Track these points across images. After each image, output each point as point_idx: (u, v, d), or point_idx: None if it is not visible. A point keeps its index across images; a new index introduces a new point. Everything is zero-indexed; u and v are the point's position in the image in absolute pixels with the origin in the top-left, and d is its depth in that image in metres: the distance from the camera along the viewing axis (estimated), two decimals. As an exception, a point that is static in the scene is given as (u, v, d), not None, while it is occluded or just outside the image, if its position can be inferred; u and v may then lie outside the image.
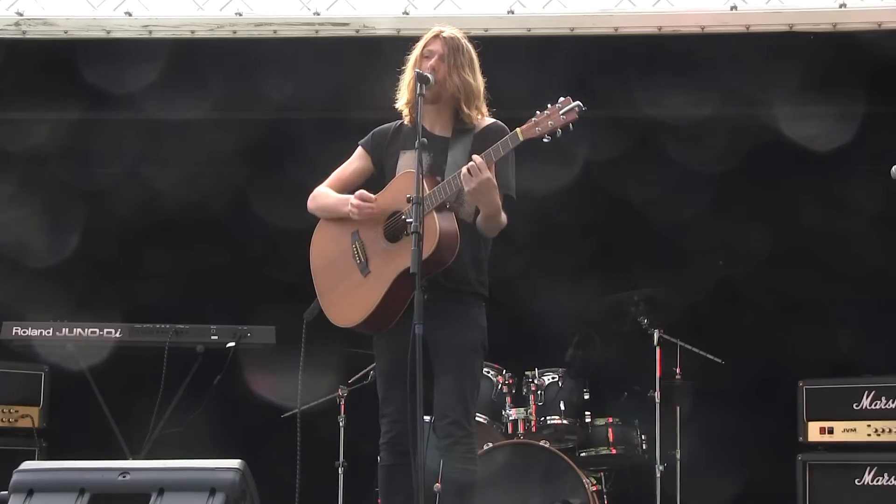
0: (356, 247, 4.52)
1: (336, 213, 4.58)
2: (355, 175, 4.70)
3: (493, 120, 4.59)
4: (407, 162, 4.49)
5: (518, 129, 4.27)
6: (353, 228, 4.54)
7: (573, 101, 4.20)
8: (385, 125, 4.70)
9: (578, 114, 4.18)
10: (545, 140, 4.22)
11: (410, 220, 4.17)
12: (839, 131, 6.76)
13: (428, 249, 4.22)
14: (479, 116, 4.56)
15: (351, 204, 4.48)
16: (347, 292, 4.53)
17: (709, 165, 7.24)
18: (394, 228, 4.42)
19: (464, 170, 4.24)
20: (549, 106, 4.23)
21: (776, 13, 6.13)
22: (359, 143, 4.74)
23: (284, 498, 6.56)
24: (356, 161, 4.72)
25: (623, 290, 7.02)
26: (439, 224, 4.28)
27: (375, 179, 4.68)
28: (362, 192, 4.51)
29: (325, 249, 4.64)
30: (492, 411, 6.51)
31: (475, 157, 4.25)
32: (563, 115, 4.19)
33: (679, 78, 6.50)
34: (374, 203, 4.46)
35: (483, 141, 4.42)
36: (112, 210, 7.60)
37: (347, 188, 4.68)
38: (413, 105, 4.50)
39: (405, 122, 4.62)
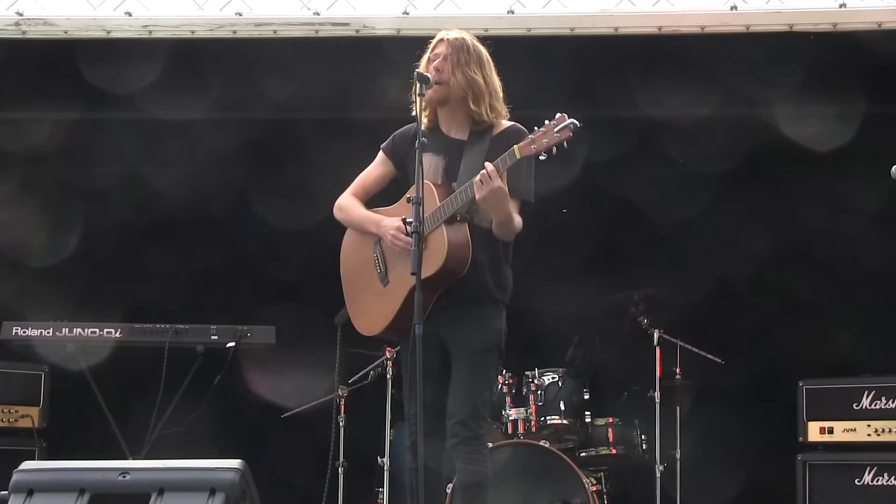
0: (377, 256, 4.54)
1: (364, 230, 4.60)
2: (378, 181, 4.70)
3: (512, 123, 4.55)
4: (425, 165, 4.45)
5: (515, 147, 4.25)
6: (376, 238, 4.56)
7: (568, 118, 4.17)
8: (406, 127, 4.67)
9: (573, 131, 4.16)
10: (541, 158, 4.22)
11: (410, 219, 4.19)
12: (839, 131, 6.75)
13: (437, 264, 4.25)
14: (495, 116, 4.53)
15: (391, 235, 4.44)
16: (370, 302, 4.57)
17: (709, 165, 7.24)
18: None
19: (476, 178, 4.24)
20: (545, 122, 4.22)
21: (776, 13, 6.12)
22: (380, 147, 4.73)
23: (285, 498, 6.57)
24: (378, 167, 4.72)
25: (623, 290, 7.02)
26: (448, 237, 4.29)
27: (400, 182, 4.68)
28: (400, 225, 4.42)
29: (351, 258, 4.68)
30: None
31: (487, 164, 4.25)
32: (557, 132, 4.17)
33: (679, 78, 6.50)
34: (409, 242, 4.36)
35: (500, 145, 4.39)
36: (112, 210, 7.60)
37: (372, 194, 4.70)
38: (428, 109, 4.53)
39: (423, 127, 4.60)
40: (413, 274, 4.13)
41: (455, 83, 4.48)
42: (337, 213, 4.71)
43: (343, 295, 4.71)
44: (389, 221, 4.48)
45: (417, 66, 4.54)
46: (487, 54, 4.57)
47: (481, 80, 4.50)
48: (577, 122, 4.16)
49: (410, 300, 4.30)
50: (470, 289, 4.39)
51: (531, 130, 4.29)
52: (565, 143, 4.17)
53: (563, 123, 4.17)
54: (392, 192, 4.69)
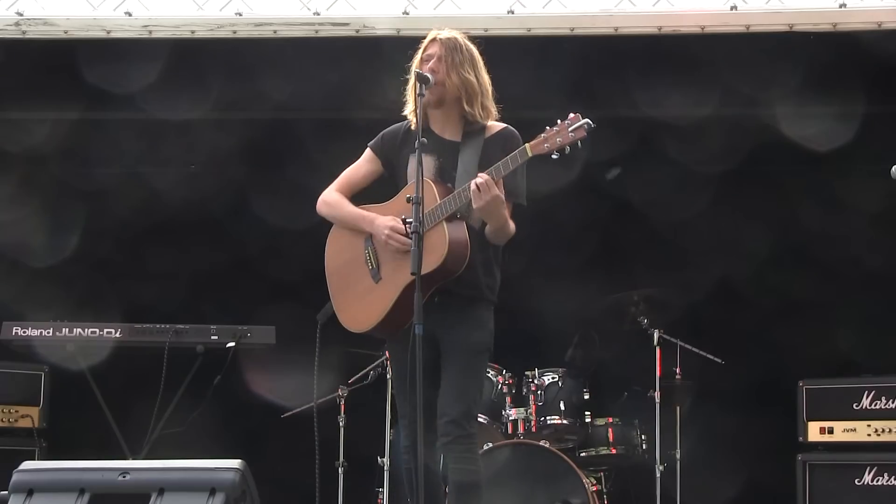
0: (368, 253, 4.53)
1: (355, 227, 4.57)
2: (365, 178, 4.69)
3: (504, 125, 4.56)
4: (416, 166, 4.47)
5: (527, 145, 4.26)
6: (367, 234, 4.55)
7: (582, 118, 4.19)
8: (394, 126, 4.67)
9: (588, 131, 4.17)
10: (554, 157, 4.22)
11: (410, 220, 4.19)
12: (839, 131, 6.75)
13: (437, 260, 4.25)
14: (488, 116, 4.53)
15: (386, 234, 4.42)
16: (359, 298, 4.55)
17: (709, 165, 7.24)
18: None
19: (472, 185, 4.24)
20: (558, 122, 4.21)
21: (776, 13, 6.13)
22: (368, 144, 4.72)
23: (285, 498, 6.57)
24: (366, 164, 4.70)
25: (623, 290, 7.02)
26: (448, 235, 4.29)
27: (385, 181, 4.67)
28: (395, 224, 4.41)
29: (338, 253, 4.65)
30: (492, 411, 6.52)
31: (482, 174, 4.26)
32: (571, 132, 4.18)
33: (679, 78, 6.50)
34: (406, 242, 4.37)
35: (493, 147, 4.40)
36: (112, 210, 7.60)
37: (357, 191, 4.68)
38: (421, 111, 4.50)
39: (412, 127, 4.59)
40: (413, 274, 4.13)
41: (451, 84, 4.48)
42: (322, 208, 4.68)
43: (328, 291, 4.68)
44: (384, 220, 4.46)
45: (410, 66, 4.54)
46: (478, 53, 4.57)
47: (475, 81, 4.50)
48: (591, 122, 4.18)
49: (404, 297, 4.32)
50: (467, 289, 4.40)
51: (530, 131, 4.28)
52: (579, 143, 4.18)
53: (577, 123, 4.18)
54: (373, 190, 4.67)
